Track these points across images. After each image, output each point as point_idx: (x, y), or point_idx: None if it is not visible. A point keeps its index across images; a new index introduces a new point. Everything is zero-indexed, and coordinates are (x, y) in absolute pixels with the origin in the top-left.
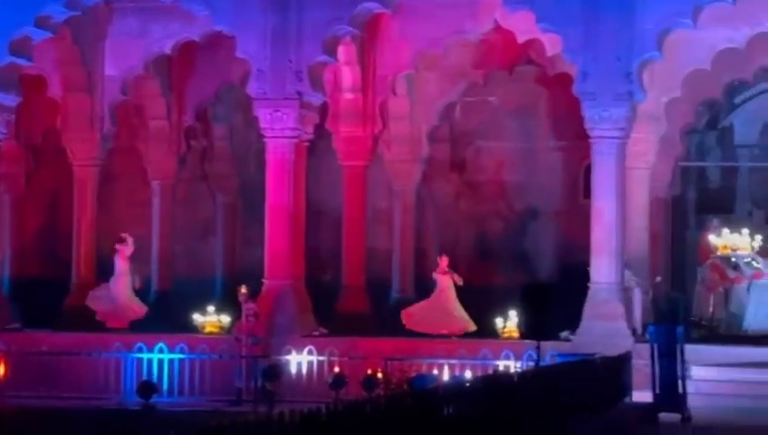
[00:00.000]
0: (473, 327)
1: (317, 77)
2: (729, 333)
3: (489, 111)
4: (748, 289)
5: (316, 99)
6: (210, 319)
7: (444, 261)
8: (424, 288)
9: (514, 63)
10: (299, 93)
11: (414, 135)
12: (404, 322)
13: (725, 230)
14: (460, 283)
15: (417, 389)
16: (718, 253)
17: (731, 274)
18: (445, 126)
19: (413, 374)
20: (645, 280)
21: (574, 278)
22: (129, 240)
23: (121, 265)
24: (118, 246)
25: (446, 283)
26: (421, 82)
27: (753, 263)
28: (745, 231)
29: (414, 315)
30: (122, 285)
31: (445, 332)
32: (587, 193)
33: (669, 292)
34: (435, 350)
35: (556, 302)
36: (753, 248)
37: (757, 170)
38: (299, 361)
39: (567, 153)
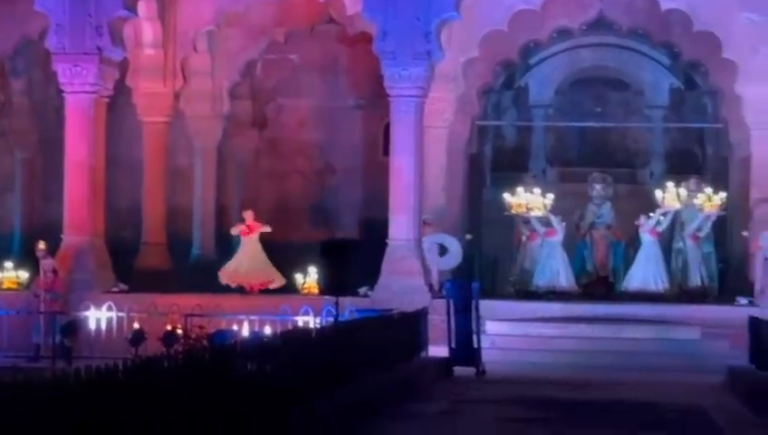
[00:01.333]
0: (282, 281)
1: (117, 32)
2: (522, 288)
3: (290, 69)
4: (541, 246)
5: (116, 54)
6: (8, 275)
7: (249, 216)
8: (225, 245)
9: (315, 22)
10: (99, 48)
11: (215, 92)
12: (221, 280)
13: (519, 189)
14: (269, 229)
15: (215, 345)
16: (512, 211)
17: (524, 231)
18: (246, 83)
19: (213, 331)
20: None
21: (374, 235)
22: None
23: None
24: None
25: (254, 237)
26: (222, 38)
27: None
28: (537, 190)
29: (229, 271)
30: None
31: (258, 285)
32: (386, 151)
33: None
34: (235, 306)
35: (356, 258)
36: (545, 207)
37: (551, 130)
38: (98, 317)
39: (367, 111)
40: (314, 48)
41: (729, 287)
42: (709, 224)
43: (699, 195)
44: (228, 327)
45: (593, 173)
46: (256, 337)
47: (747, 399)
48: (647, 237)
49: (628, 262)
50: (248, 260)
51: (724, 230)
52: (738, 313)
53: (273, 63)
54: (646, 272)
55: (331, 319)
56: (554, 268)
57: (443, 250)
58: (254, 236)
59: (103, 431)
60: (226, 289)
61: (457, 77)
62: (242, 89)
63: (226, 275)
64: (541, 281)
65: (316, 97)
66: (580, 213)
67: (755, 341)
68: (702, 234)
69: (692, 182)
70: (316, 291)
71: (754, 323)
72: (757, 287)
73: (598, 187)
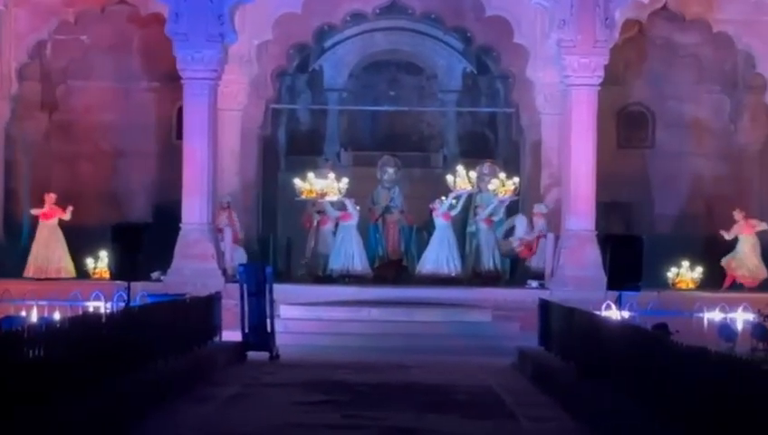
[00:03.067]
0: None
1: None
2: (315, 273)
3: (81, 50)
4: (335, 231)
5: None
6: None
7: (50, 199)
8: (15, 229)
9: (106, 2)
10: None
11: (3, 73)
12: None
13: (310, 174)
14: (68, 216)
15: (2, 330)
16: (303, 196)
17: (316, 215)
18: (35, 64)
19: (0, 316)
20: (241, 221)
21: (167, 219)
22: None
23: None
24: None
25: (52, 222)
26: (11, 18)
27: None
28: (332, 175)
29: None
30: None
31: (54, 272)
32: (180, 134)
33: (261, 233)
34: (24, 291)
35: (148, 242)
36: (340, 191)
37: (345, 113)
38: None
39: (160, 94)
40: (106, 29)
41: (521, 271)
42: (503, 208)
43: (493, 180)
44: (17, 313)
45: (383, 156)
46: (45, 323)
47: (536, 379)
48: (440, 221)
49: (422, 246)
50: (44, 249)
51: (516, 213)
52: (529, 295)
53: (63, 44)
54: (439, 255)
55: (122, 304)
56: (349, 252)
57: None
58: (53, 221)
59: None
60: (15, 274)
61: (251, 60)
62: (31, 70)
63: (32, 270)
64: (335, 265)
65: (108, 79)
66: (371, 197)
67: (544, 323)
68: (496, 218)
69: (485, 166)
70: (107, 276)
71: (544, 305)
72: (547, 271)
73: (390, 170)
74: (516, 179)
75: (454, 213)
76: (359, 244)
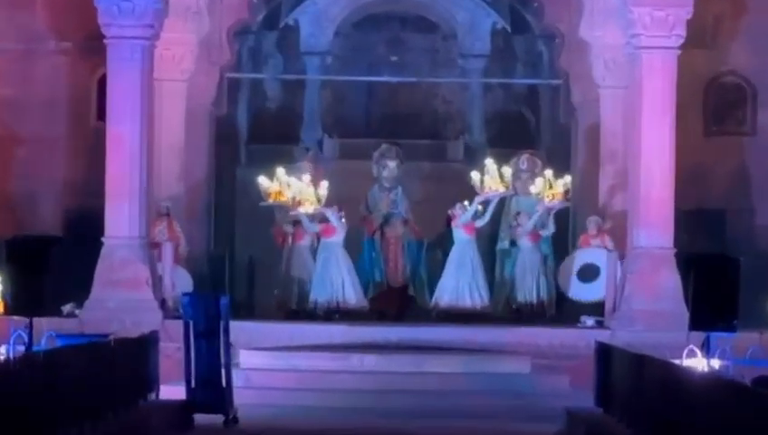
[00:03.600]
0: None
1: None
2: (288, 306)
3: None
4: (315, 248)
5: None
6: None
7: None
8: None
9: None
10: None
11: None
12: None
13: (280, 169)
14: None
15: None
16: (270, 201)
17: (288, 228)
18: None
19: None
20: (185, 234)
21: (84, 231)
22: None
23: None
24: None
25: None
26: None
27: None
28: (307, 178)
29: None
30: None
31: None
32: (102, 114)
33: (213, 249)
34: None
35: (57, 263)
36: (319, 199)
37: (330, 87)
38: None
39: (74, 59)
40: None
41: (571, 303)
42: (551, 219)
43: (536, 179)
44: None
45: (382, 145)
46: None
47: None
48: (461, 234)
49: (435, 268)
50: None
51: (565, 225)
52: (582, 337)
53: None
54: (460, 281)
55: (21, 348)
56: (336, 279)
57: None
58: None
59: None
60: None
61: (200, 12)
62: None
63: None
64: (320, 296)
65: (2, 39)
66: (365, 202)
67: (603, 375)
68: (545, 232)
69: (523, 160)
70: (1, 309)
71: (603, 351)
72: (608, 304)
73: (391, 164)
74: (568, 179)
75: (480, 224)
76: (348, 267)
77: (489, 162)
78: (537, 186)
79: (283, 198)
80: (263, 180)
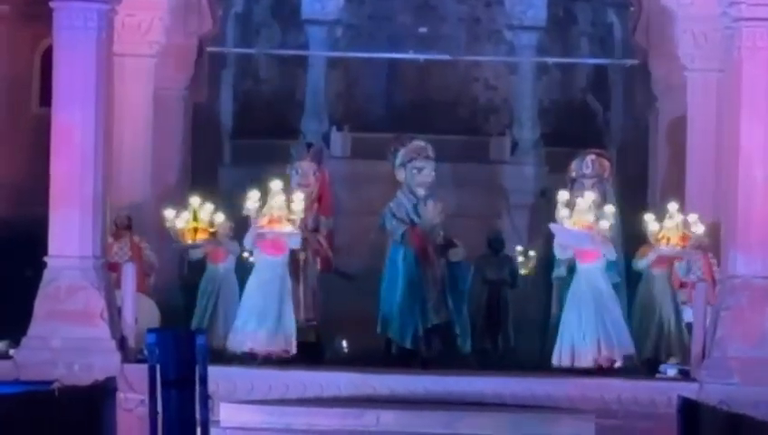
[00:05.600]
0: None
1: None
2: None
3: None
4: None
5: None
6: None
7: None
8: None
9: None
10: None
11: None
12: None
13: (275, 184)
14: None
15: None
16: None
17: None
18: None
19: None
20: (151, 250)
21: (22, 246)
22: None
23: None
24: None
25: None
26: None
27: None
28: (277, 185)
29: None
30: None
31: None
32: (46, 98)
33: (187, 273)
34: None
35: None
36: (291, 218)
37: (339, 66)
38: None
39: (12, 27)
40: None
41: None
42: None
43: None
44: None
45: (412, 142)
46: None
47: None
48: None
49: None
50: None
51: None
52: (661, 391)
53: None
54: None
55: None
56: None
57: None
58: None
59: None
60: None
61: None
62: None
63: None
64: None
65: None
66: (388, 213)
67: None
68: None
69: (588, 161)
70: None
71: (688, 409)
72: (695, 348)
73: (426, 168)
74: (701, 230)
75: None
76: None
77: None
78: (670, 226)
79: (202, 236)
80: (168, 213)
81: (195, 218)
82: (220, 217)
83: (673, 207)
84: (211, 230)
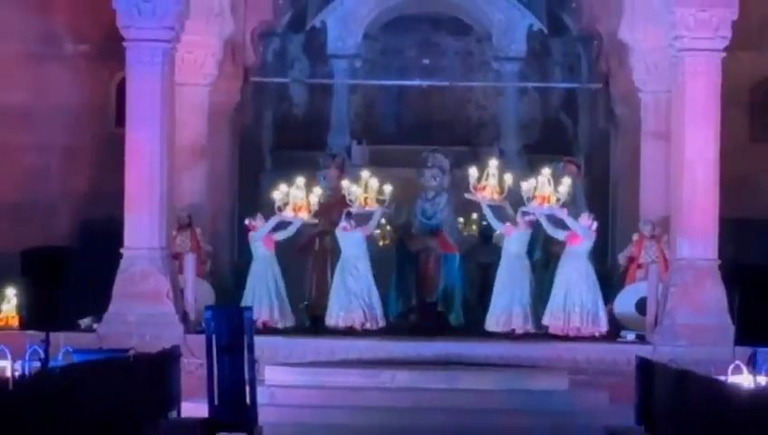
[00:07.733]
0: None
1: None
2: (320, 316)
3: None
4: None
5: None
6: None
7: None
8: None
9: None
10: None
11: None
12: None
13: (298, 181)
14: None
15: None
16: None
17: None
18: None
19: None
20: (207, 242)
21: (101, 242)
22: None
23: None
24: None
25: None
26: None
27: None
28: (301, 181)
29: None
30: None
31: None
32: (120, 120)
33: (237, 260)
34: None
35: (74, 275)
36: (310, 208)
37: (358, 91)
38: None
39: (92, 62)
40: None
41: (610, 317)
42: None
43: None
44: None
45: (431, 154)
46: None
47: None
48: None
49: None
50: None
51: (605, 236)
52: (622, 353)
53: None
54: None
55: (36, 364)
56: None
57: None
58: None
59: None
60: None
61: (223, 13)
62: None
63: None
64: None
65: (17, 41)
66: (404, 213)
67: (644, 392)
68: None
69: (560, 166)
70: (16, 323)
71: (644, 367)
72: (649, 317)
73: (438, 177)
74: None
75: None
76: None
77: (547, 172)
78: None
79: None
80: (278, 193)
81: (365, 190)
82: (389, 188)
83: (493, 163)
84: (380, 198)
